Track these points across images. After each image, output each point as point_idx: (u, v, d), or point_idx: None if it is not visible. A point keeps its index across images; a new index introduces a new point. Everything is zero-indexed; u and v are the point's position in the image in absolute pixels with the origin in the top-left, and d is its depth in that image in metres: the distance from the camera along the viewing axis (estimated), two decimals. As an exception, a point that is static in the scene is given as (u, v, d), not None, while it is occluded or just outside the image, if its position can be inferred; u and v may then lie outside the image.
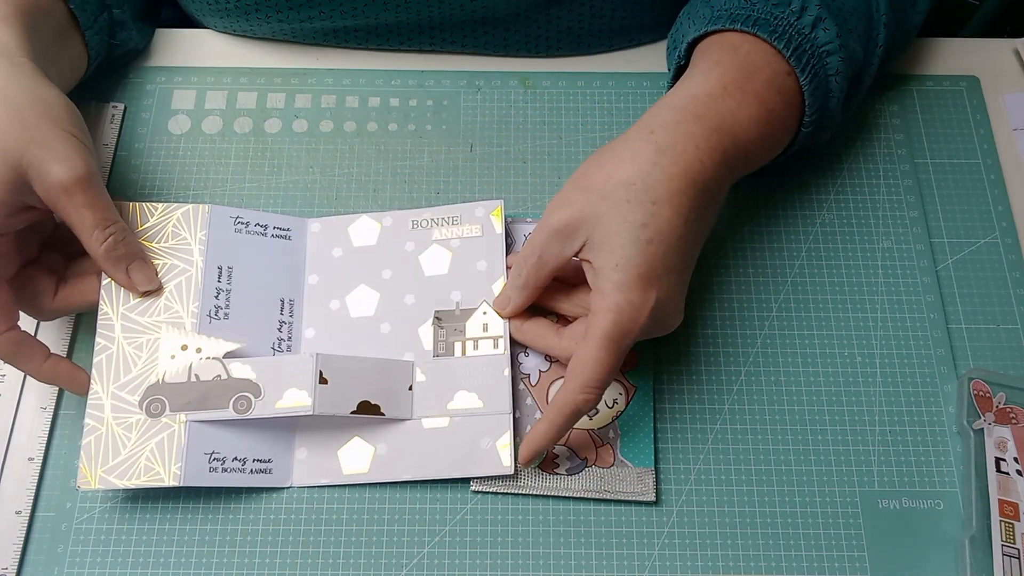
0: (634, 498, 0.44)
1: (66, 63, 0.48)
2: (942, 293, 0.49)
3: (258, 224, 0.48)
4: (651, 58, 0.56)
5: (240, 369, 0.43)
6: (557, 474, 0.44)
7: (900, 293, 0.49)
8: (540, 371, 0.46)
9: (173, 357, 0.43)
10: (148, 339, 0.44)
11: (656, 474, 0.45)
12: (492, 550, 0.43)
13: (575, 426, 0.45)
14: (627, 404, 0.46)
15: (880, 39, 0.48)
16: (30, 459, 0.45)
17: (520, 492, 0.44)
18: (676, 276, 0.42)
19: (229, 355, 0.43)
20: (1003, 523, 0.43)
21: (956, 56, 0.57)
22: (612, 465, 0.44)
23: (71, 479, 0.44)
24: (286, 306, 0.47)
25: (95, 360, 0.43)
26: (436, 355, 0.46)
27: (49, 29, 0.46)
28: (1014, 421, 0.45)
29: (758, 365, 0.47)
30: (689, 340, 0.48)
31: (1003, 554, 0.42)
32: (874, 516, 0.44)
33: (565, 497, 0.44)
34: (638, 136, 0.42)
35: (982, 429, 0.45)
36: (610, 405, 0.45)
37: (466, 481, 0.44)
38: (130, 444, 0.42)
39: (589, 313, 0.41)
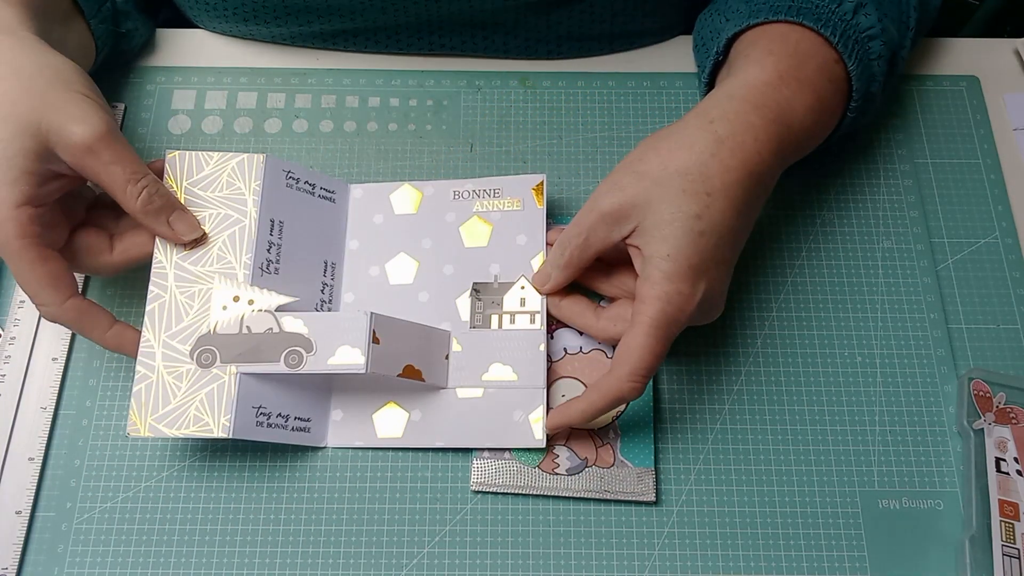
0: (634, 498, 0.44)
1: (75, 50, 0.48)
2: (942, 293, 0.49)
3: (307, 182, 0.48)
4: (651, 58, 0.56)
5: (292, 323, 0.43)
6: (557, 474, 0.44)
7: (900, 293, 0.49)
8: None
9: (225, 308, 0.43)
10: (200, 289, 0.43)
11: (656, 474, 0.44)
12: (492, 550, 0.43)
13: (574, 427, 0.45)
14: (627, 405, 0.46)
15: (911, 21, 0.48)
16: (30, 459, 0.45)
17: (520, 492, 0.44)
18: (724, 267, 0.42)
19: (280, 309, 0.43)
20: (1003, 523, 0.43)
21: (956, 56, 0.57)
22: (612, 465, 0.44)
23: (71, 479, 0.44)
24: (328, 268, 0.47)
25: (148, 308, 0.43)
26: (473, 326, 0.46)
27: (54, 15, 0.46)
28: (1014, 421, 0.45)
29: (758, 365, 0.47)
30: (689, 340, 0.48)
31: (1003, 554, 0.42)
32: (874, 516, 0.44)
33: (565, 497, 0.44)
34: (697, 124, 0.42)
35: (982, 429, 0.45)
36: (610, 405, 0.46)
37: (466, 481, 0.45)
38: (180, 393, 0.42)
39: (636, 300, 0.41)
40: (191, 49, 0.56)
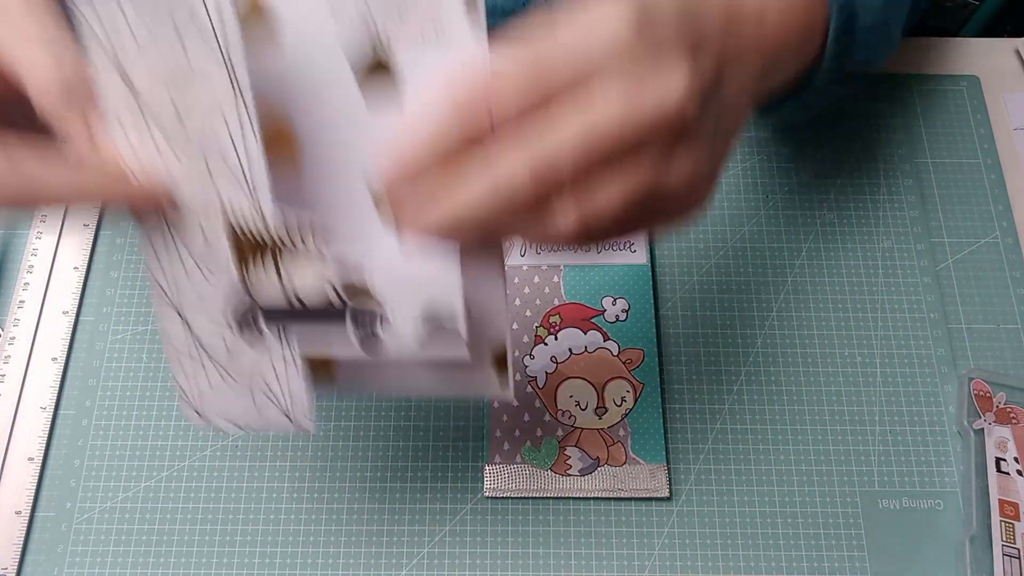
0: (648, 495, 0.44)
1: None
2: (942, 293, 0.49)
3: None
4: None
5: (361, 294, 0.30)
6: (570, 475, 0.44)
7: (900, 293, 0.49)
8: (547, 373, 0.46)
9: (254, 262, 0.29)
10: (205, 219, 0.29)
11: (668, 469, 0.44)
12: (492, 550, 0.43)
13: (585, 427, 0.45)
14: (635, 401, 0.46)
15: None
16: (30, 459, 0.45)
17: (534, 496, 0.44)
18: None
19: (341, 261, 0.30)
20: (1003, 523, 0.43)
21: (956, 56, 0.57)
22: (624, 463, 0.44)
23: (71, 479, 0.44)
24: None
25: (149, 263, 0.30)
26: None
27: None
28: (1014, 421, 0.45)
29: (758, 365, 0.47)
30: (689, 340, 0.48)
31: (1003, 554, 0.42)
32: (874, 516, 0.44)
33: (572, 498, 0.44)
34: None
35: (982, 429, 0.45)
36: (618, 403, 0.46)
37: (466, 480, 0.44)
38: (231, 373, 0.32)
39: None
40: (191, 49, 0.56)
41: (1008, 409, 0.45)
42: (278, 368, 0.32)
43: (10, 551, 0.43)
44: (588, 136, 0.25)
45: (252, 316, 0.31)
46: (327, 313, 0.30)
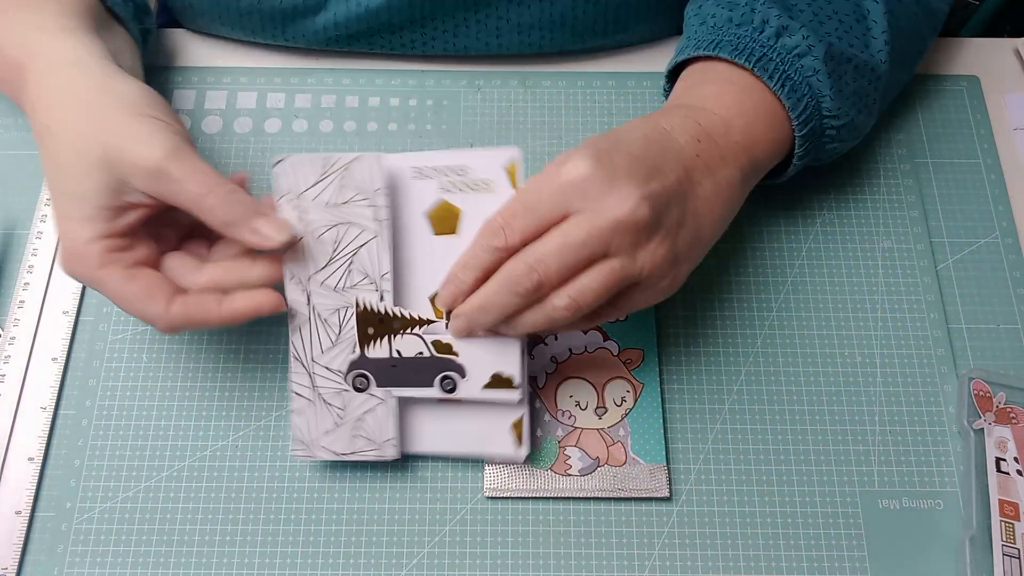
0: (648, 495, 0.44)
1: (129, 58, 0.47)
2: (942, 293, 0.49)
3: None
4: (651, 58, 0.56)
5: (446, 350, 0.41)
6: (570, 475, 0.44)
7: (900, 293, 0.49)
8: (547, 373, 0.46)
9: (371, 331, 0.41)
10: (342, 311, 0.41)
11: (668, 470, 0.44)
12: (492, 550, 0.43)
13: (585, 427, 0.45)
14: (635, 401, 0.46)
15: (877, 31, 0.46)
16: (30, 459, 0.45)
17: (534, 496, 0.44)
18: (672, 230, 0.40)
19: (427, 330, 0.41)
20: (1003, 523, 0.43)
21: (956, 56, 0.57)
22: (624, 463, 0.44)
23: (71, 479, 0.44)
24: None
25: (291, 331, 0.42)
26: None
27: (104, 27, 0.45)
28: (1014, 421, 0.45)
29: (758, 365, 0.47)
30: (689, 340, 0.48)
31: (1003, 554, 0.42)
32: (874, 516, 0.44)
33: (571, 498, 0.44)
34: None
35: (982, 429, 0.45)
36: (618, 403, 0.46)
37: (466, 481, 0.45)
38: (340, 417, 0.42)
39: None
40: (191, 49, 0.56)
41: (1008, 409, 0.45)
42: (377, 410, 0.42)
43: (10, 551, 0.43)
44: (564, 242, 0.37)
45: (362, 374, 0.42)
46: (418, 365, 0.42)
